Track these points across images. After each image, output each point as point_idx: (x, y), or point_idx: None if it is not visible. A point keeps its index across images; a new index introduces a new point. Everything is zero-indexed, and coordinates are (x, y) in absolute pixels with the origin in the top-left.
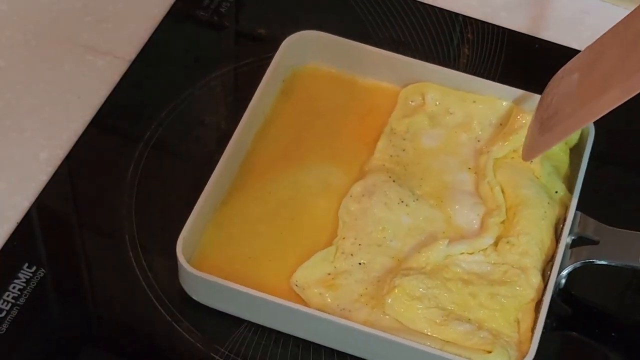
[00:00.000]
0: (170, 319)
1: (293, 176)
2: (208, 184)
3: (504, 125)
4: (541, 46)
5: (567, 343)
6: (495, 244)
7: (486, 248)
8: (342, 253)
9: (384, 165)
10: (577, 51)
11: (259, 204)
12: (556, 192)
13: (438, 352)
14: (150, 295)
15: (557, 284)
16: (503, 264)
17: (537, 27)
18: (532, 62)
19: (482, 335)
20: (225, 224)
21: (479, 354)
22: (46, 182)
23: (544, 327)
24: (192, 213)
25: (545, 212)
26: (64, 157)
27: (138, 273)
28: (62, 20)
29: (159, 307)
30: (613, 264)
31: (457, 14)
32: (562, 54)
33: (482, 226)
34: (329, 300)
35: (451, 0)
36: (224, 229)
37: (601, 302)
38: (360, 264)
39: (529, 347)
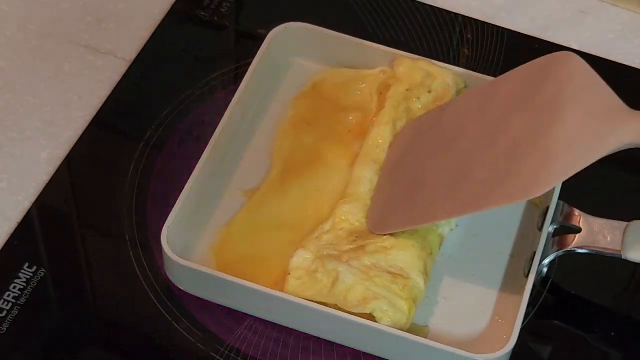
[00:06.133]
0: (170, 319)
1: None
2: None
3: None
4: (541, 46)
5: (548, 331)
6: None
7: None
8: None
9: None
10: (577, 51)
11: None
12: None
13: (437, 345)
14: (151, 295)
15: (539, 272)
16: None
17: (537, 28)
18: None
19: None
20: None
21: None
22: (47, 182)
23: (525, 316)
24: (176, 203)
25: None
26: (65, 157)
27: (138, 273)
28: (62, 20)
29: (159, 307)
30: (595, 252)
31: (456, 14)
32: None
33: None
34: None
35: (451, 1)
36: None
37: (583, 291)
38: None
39: (510, 336)
